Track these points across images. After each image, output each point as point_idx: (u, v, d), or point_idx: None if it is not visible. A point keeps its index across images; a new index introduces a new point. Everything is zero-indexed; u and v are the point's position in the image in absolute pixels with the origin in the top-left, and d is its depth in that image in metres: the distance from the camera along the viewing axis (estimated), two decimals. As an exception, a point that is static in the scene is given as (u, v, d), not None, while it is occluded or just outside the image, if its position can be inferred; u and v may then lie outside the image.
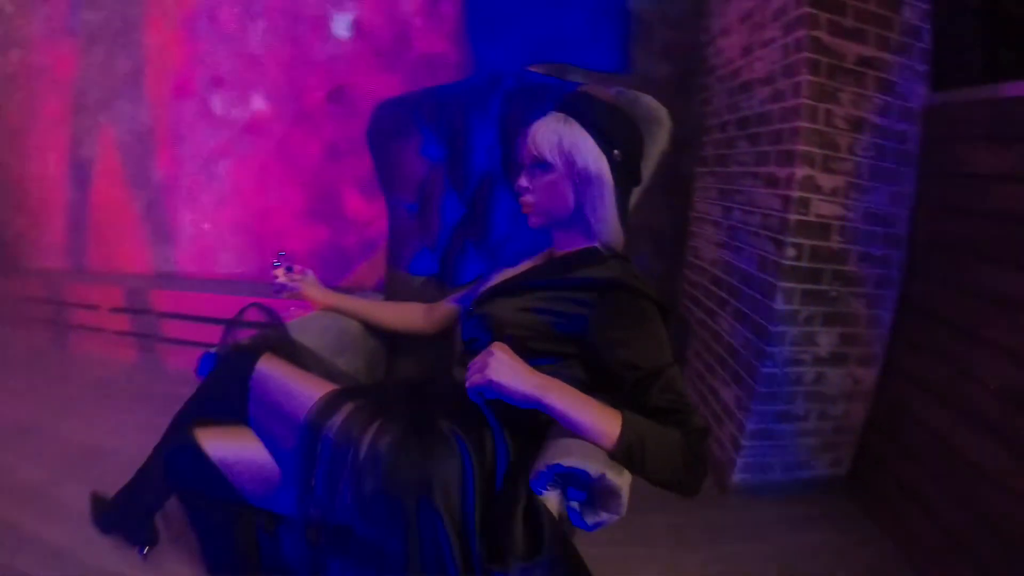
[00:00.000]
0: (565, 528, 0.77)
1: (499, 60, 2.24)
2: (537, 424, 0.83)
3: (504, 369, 0.76)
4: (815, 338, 1.59)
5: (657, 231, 2.31)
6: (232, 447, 0.90)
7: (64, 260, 2.79)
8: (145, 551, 1.19)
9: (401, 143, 1.41)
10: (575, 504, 0.77)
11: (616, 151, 0.91)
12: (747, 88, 1.78)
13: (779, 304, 1.54)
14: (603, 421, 0.75)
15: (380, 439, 0.79)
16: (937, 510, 1.37)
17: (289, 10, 2.44)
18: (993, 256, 1.28)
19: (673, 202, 2.27)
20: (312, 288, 1.22)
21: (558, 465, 0.74)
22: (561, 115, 0.92)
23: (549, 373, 0.79)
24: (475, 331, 0.94)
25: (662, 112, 1.10)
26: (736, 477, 1.67)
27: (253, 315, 1.09)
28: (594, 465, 0.73)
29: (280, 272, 1.19)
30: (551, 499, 0.76)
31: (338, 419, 0.82)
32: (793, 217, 1.50)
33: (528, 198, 0.95)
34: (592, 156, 0.90)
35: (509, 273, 1.04)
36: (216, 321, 2.08)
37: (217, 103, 2.55)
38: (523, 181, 0.95)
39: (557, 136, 0.90)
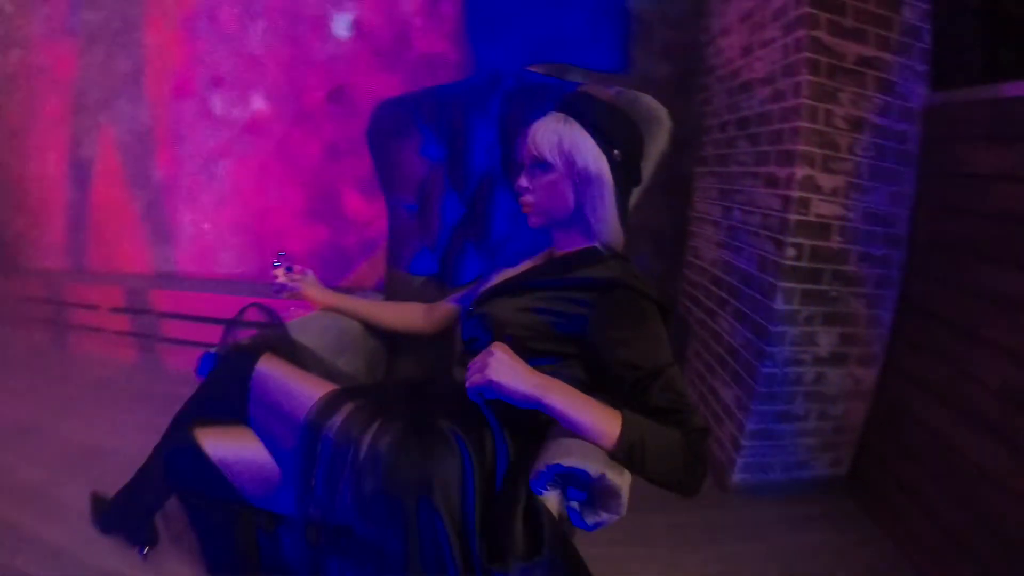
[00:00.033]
0: (565, 528, 0.77)
1: (499, 60, 2.24)
2: (537, 424, 0.83)
3: (504, 369, 0.76)
4: (815, 338, 1.59)
5: (657, 231, 2.31)
6: (232, 447, 0.90)
7: (64, 260, 2.79)
8: (145, 551, 1.19)
9: (401, 143, 1.41)
10: (575, 504, 0.77)
11: (616, 151, 0.91)
12: (747, 88, 1.78)
13: (779, 304, 1.54)
14: (603, 421, 0.75)
15: (380, 439, 0.79)
16: (937, 510, 1.37)
17: (289, 10, 2.44)
18: (993, 256, 1.28)
19: (673, 202, 2.27)
20: (312, 288, 1.22)
21: (558, 465, 0.73)
22: (561, 115, 0.92)
23: (549, 373, 0.79)
24: (475, 331, 0.95)
25: (662, 112, 1.10)
26: (736, 477, 1.67)
27: (253, 315, 1.08)
28: (594, 465, 0.73)
29: (280, 272, 1.19)
30: (551, 499, 0.76)
31: (338, 419, 0.82)
32: (793, 217, 1.50)
33: (528, 198, 0.95)
34: (592, 156, 0.90)
35: (509, 273, 1.04)
36: (216, 321, 2.08)
37: (217, 103, 2.54)
38: (523, 181, 0.95)
39: (557, 136, 0.90)
